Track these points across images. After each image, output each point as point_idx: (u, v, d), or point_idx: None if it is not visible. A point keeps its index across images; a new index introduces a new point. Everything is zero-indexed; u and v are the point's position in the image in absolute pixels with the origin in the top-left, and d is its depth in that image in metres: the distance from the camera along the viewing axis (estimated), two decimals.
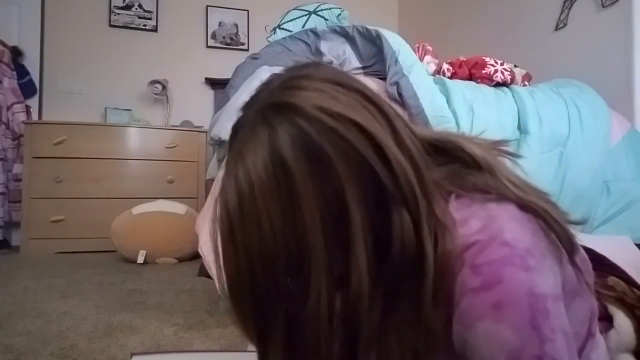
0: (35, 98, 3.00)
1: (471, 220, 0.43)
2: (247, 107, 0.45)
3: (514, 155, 0.53)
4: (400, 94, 1.30)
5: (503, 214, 0.43)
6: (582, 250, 0.50)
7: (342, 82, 0.44)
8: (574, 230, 0.47)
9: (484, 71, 1.55)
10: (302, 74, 0.45)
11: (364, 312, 0.40)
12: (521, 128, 1.41)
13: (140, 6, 3.29)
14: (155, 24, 3.31)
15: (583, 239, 0.50)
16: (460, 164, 0.47)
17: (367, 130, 0.40)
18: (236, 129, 0.45)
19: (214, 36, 3.45)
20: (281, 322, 0.41)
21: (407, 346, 0.41)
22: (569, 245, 0.44)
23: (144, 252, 2.22)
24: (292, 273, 0.40)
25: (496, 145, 0.53)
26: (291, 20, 1.74)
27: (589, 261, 0.52)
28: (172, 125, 3.08)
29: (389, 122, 0.43)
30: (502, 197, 0.44)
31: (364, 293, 0.39)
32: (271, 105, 0.42)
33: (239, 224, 0.41)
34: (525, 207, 0.44)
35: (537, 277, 0.39)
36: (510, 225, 0.42)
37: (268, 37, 1.79)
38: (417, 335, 0.41)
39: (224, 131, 1.36)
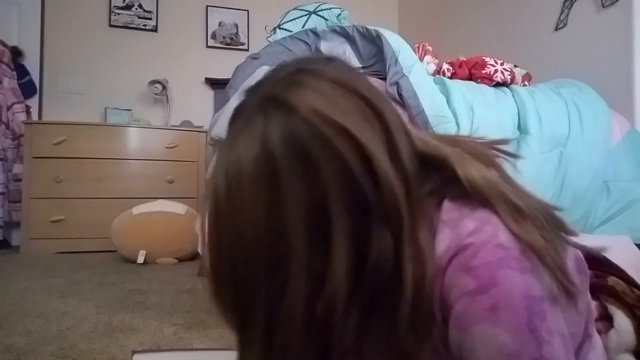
0: (35, 98, 3.00)
1: (465, 222, 0.42)
2: (250, 92, 0.45)
3: (512, 156, 0.52)
4: (400, 94, 1.30)
5: (496, 216, 0.42)
6: (578, 253, 0.50)
7: (348, 85, 0.43)
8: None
9: (484, 71, 1.55)
10: (309, 69, 0.44)
11: (338, 319, 0.39)
12: (521, 128, 1.41)
13: (140, 6, 3.29)
14: (155, 24, 3.31)
15: (583, 239, 0.50)
16: (452, 185, 0.46)
17: (358, 141, 0.40)
18: (237, 112, 0.45)
19: (214, 36, 3.45)
20: (260, 314, 0.41)
21: None
22: (562, 287, 0.41)
23: (144, 252, 2.22)
24: (273, 267, 0.40)
25: (495, 145, 0.52)
26: (291, 20, 1.74)
27: (584, 261, 0.52)
28: (172, 125, 3.08)
29: (388, 135, 0.42)
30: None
31: (339, 299, 0.39)
32: (271, 98, 0.42)
33: (225, 211, 0.41)
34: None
35: (533, 279, 0.39)
36: (504, 227, 0.41)
37: (268, 37, 1.79)
38: (392, 356, 0.41)
39: (224, 131, 1.36)
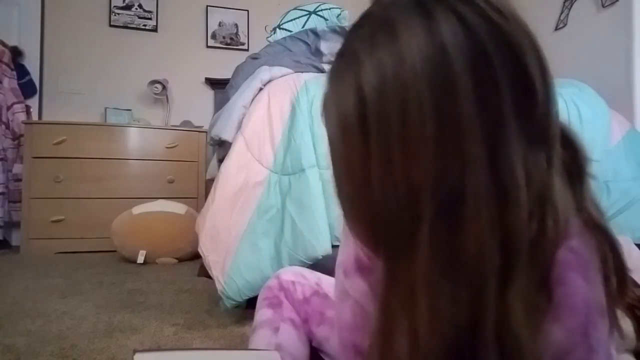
0: (35, 98, 3.01)
1: None
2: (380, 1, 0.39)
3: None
4: None
5: (575, 221, 0.42)
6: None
7: None
8: None
9: None
10: None
11: (521, 234, 0.35)
12: None
13: (140, 6, 3.29)
14: (155, 24, 3.31)
15: None
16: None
17: (537, 45, 0.37)
18: (365, 18, 0.40)
19: (214, 36, 3.45)
20: (424, 234, 0.36)
21: (526, 304, 0.37)
22: (610, 304, 0.41)
23: (144, 252, 2.22)
24: (445, 181, 0.35)
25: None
26: (291, 20, 1.74)
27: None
28: (172, 125, 3.08)
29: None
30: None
31: (522, 209, 0.35)
32: None
33: (376, 108, 0.35)
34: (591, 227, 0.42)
35: (593, 289, 0.40)
36: (578, 233, 0.41)
37: (268, 37, 1.79)
38: (534, 296, 0.38)
39: (224, 131, 1.36)
